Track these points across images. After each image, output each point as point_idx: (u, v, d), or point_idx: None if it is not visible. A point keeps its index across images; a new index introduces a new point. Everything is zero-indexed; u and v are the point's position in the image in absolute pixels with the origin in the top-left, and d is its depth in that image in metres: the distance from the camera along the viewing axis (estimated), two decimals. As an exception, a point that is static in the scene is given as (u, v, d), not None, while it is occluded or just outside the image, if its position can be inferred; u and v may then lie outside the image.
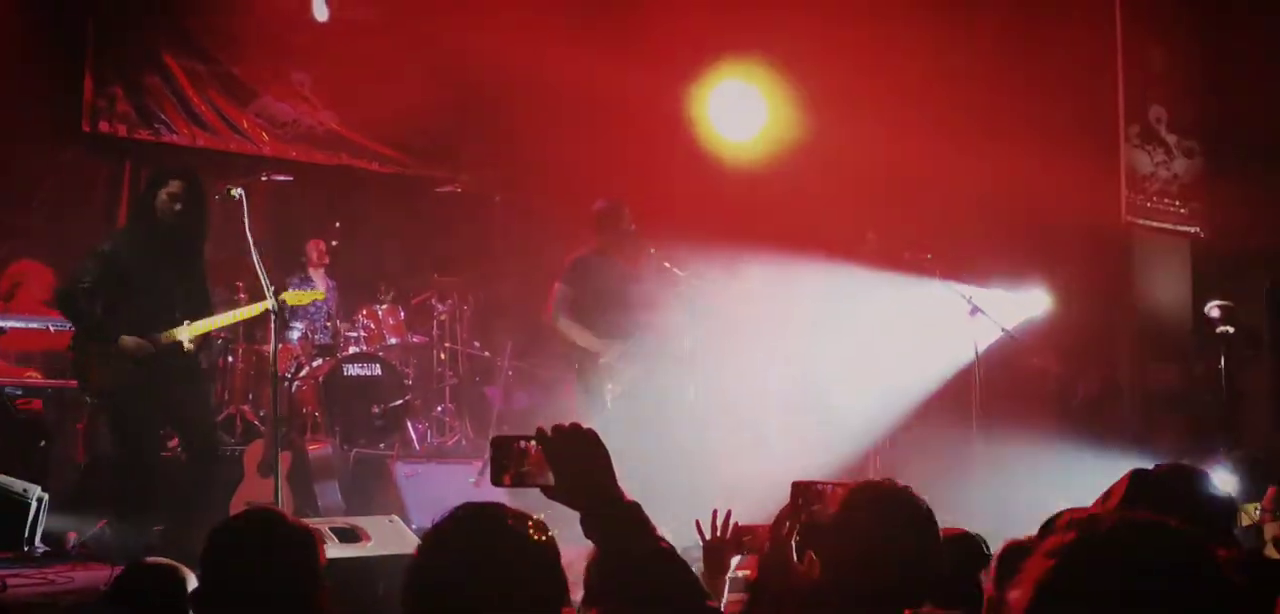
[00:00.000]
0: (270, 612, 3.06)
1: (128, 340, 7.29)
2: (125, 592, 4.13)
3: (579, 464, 2.45)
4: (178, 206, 7.38)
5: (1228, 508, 3.85)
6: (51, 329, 9.33)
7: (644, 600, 2.43)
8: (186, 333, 7.47)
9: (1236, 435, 10.25)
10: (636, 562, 2.41)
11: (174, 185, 7.41)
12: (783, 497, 3.55)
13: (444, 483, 9.26)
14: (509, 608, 2.22)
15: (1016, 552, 3.23)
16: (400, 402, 10.29)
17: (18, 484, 6.98)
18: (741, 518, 3.81)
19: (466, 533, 2.28)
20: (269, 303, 7.14)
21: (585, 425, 2.51)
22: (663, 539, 2.46)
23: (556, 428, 2.49)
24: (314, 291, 9.49)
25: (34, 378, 9.39)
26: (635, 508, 2.43)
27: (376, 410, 10.18)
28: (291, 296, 8.51)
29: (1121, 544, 1.77)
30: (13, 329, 9.20)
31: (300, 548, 3.15)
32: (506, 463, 2.51)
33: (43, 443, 8.95)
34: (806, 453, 9.23)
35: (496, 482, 2.52)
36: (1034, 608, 1.76)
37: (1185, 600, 1.71)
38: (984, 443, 9.16)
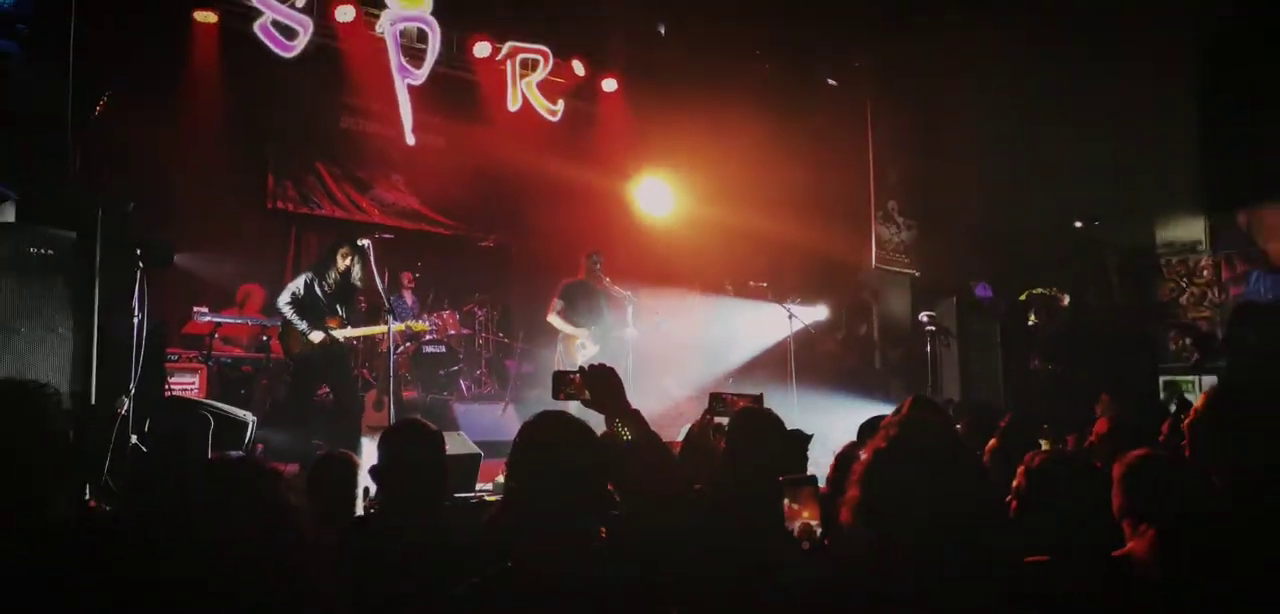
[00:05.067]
0: (422, 479, 3.33)
1: (317, 334, 8.26)
2: (316, 475, 4.40)
3: (605, 386, 2.88)
4: (345, 264, 8.47)
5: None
6: (250, 324, 10.69)
7: (645, 462, 2.80)
8: (346, 332, 8.50)
9: (937, 391, 11.50)
10: (640, 441, 2.80)
11: (345, 250, 8.54)
12: (686, 420, 4.56)
13: (484, 415, 10.42)
14: (573, 459, 2.50)
15: (846, 452, 4.18)
16: (456, 368, 11.75)
17: (239, 411, 7.38)
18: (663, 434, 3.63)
19: (555, 415, 2.60)
20: (388, 314, 8.05)
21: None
22: (651, 430, 2.85)
23: (592, 366, 2.90)
24: (422, 324, 9.86)
25: (239, 353, 10.70)
26: (637, 412, 2.86)
27: (442, 373, 11.68)
28: (415, 325, 9.43)
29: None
30: (228, 324, 10.46)
31: (438, 440, 3.48)
32: (563, 386, 2.95)
33: (243, 391, 10.08)
34: (691, 398, 10.30)
35: (556, 397, 2.97)
36: (873, 468, 2.10)
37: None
38: (795, 391, 9.97)
